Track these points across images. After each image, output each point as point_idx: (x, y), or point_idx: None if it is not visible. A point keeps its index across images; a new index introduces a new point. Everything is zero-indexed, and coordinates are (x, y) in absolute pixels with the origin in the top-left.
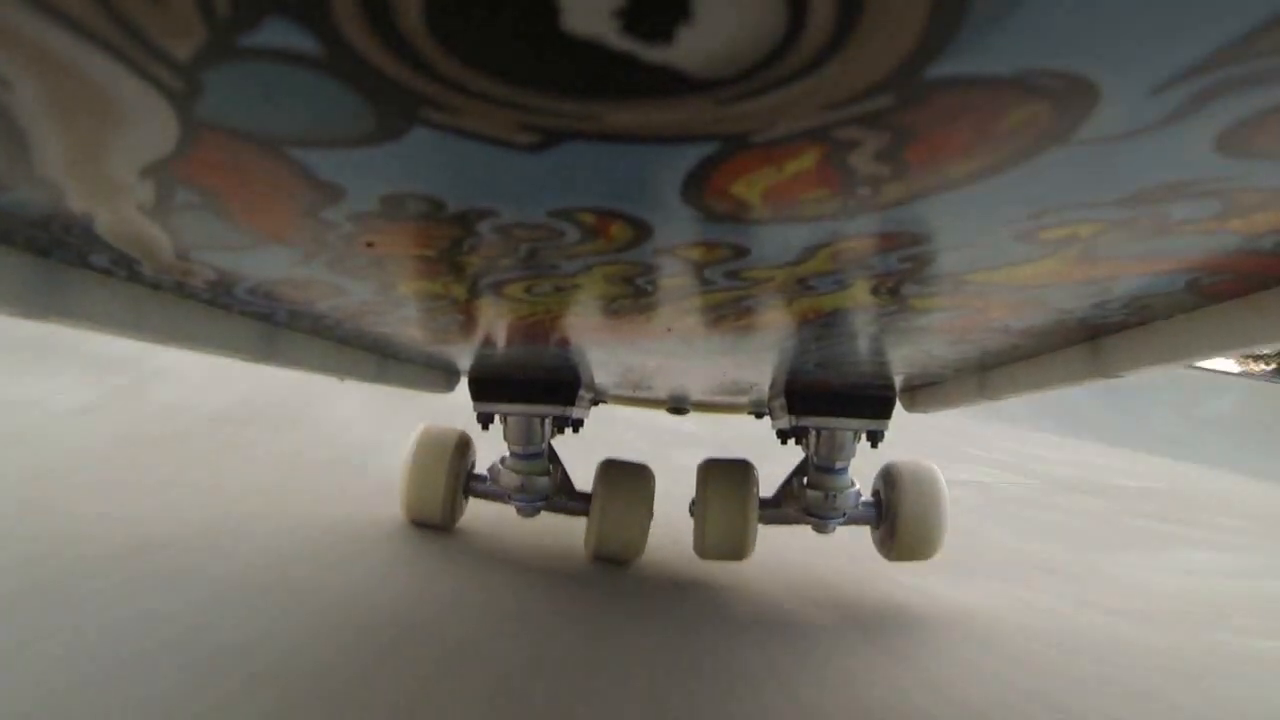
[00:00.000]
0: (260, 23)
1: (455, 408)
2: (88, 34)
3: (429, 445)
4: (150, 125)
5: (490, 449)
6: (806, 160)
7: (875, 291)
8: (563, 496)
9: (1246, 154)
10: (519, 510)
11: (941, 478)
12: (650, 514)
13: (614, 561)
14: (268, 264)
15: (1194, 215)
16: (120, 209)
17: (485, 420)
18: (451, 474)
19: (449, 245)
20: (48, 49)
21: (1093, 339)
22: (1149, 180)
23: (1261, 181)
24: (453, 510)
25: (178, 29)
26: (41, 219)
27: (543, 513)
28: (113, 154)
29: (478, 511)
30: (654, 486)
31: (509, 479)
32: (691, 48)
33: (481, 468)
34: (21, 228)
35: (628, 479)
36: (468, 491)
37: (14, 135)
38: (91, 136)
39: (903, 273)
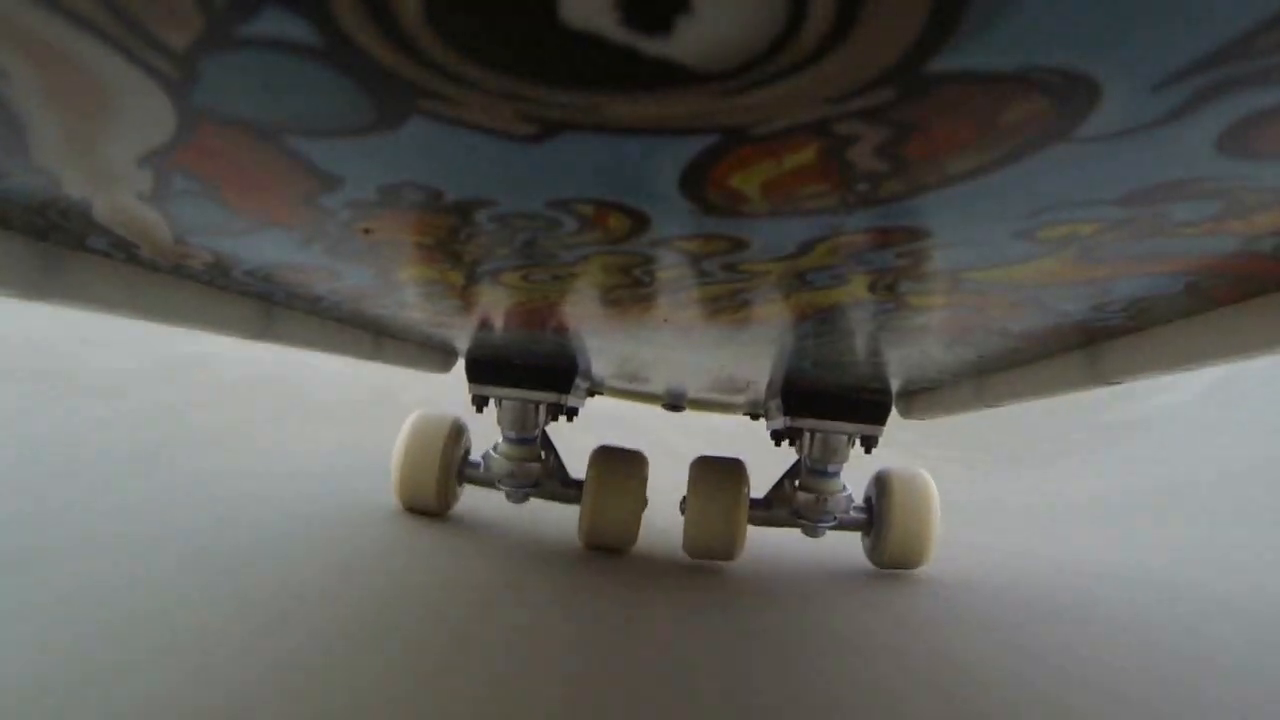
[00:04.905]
0: (257, 12)
1: None
2: (84, 22)
3: (421, 432)
4: (147, 114)
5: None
6: (806, 154)
7: (872, 288)
8: (554, 483)
9: (1248, 154)
10: (507, 495)
11: (934, 487)
12: (643, 501)
13: (608, 549)
14: (265, 249)
15: (1194, 216)
16: (118, 196)
17: (480, 403)
18: (444, 460)
19: (446, 233)
20: (43, 37)
21: (1090, 344)
22: (1149, 179)
23: (1262, 182)
24: (446, 496)
25: (174, 17)
26: (39, 204)
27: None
28: (109, 143)
29: None
30: (647, 473)
31: (500, 465)
32: (691, 40)
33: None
34: (19, 212)
35: (620, 465)
36: (461, 477)
37: (10, 124)
38: (88, 125)
39: (900, 269)
